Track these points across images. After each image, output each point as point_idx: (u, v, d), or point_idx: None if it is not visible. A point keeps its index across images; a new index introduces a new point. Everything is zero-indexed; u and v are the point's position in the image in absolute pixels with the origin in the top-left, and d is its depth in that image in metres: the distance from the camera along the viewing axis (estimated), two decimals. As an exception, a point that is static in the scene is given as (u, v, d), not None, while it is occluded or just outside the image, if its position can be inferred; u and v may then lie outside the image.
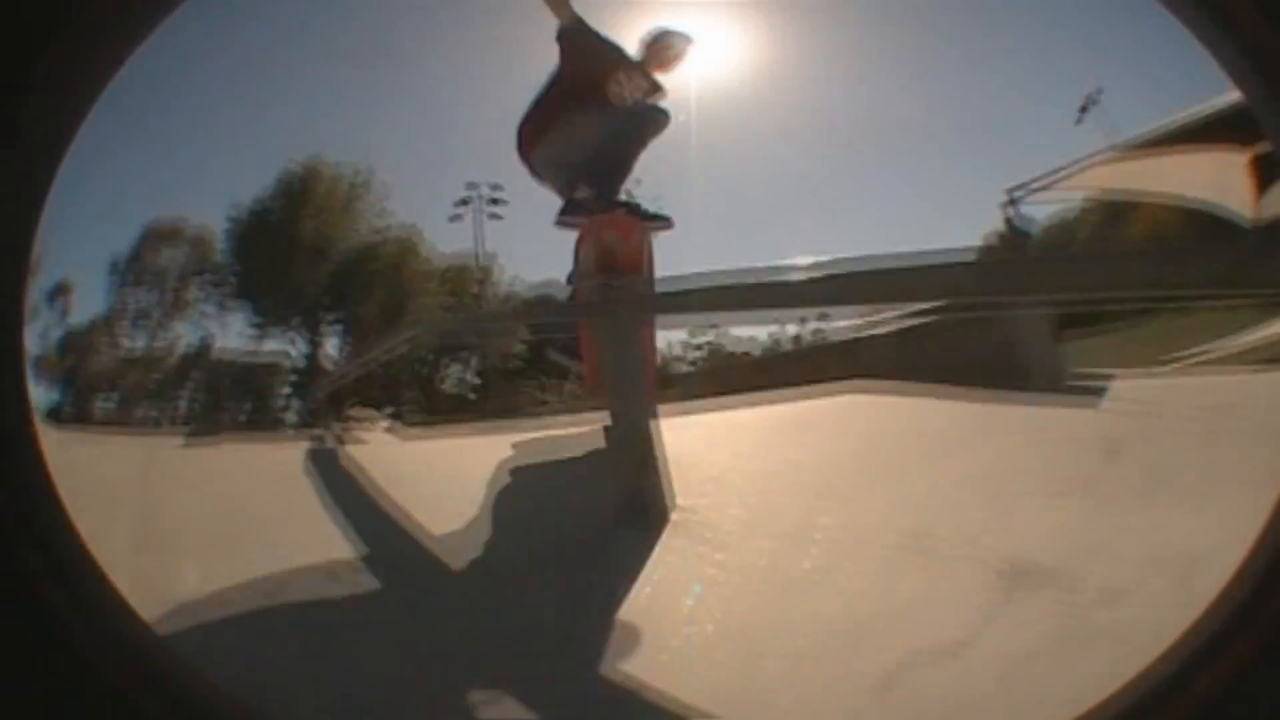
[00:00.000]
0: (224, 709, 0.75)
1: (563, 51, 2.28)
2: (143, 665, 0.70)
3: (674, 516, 1.84)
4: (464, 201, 2.77)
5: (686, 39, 2.39)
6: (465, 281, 3.11)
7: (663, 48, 2.37)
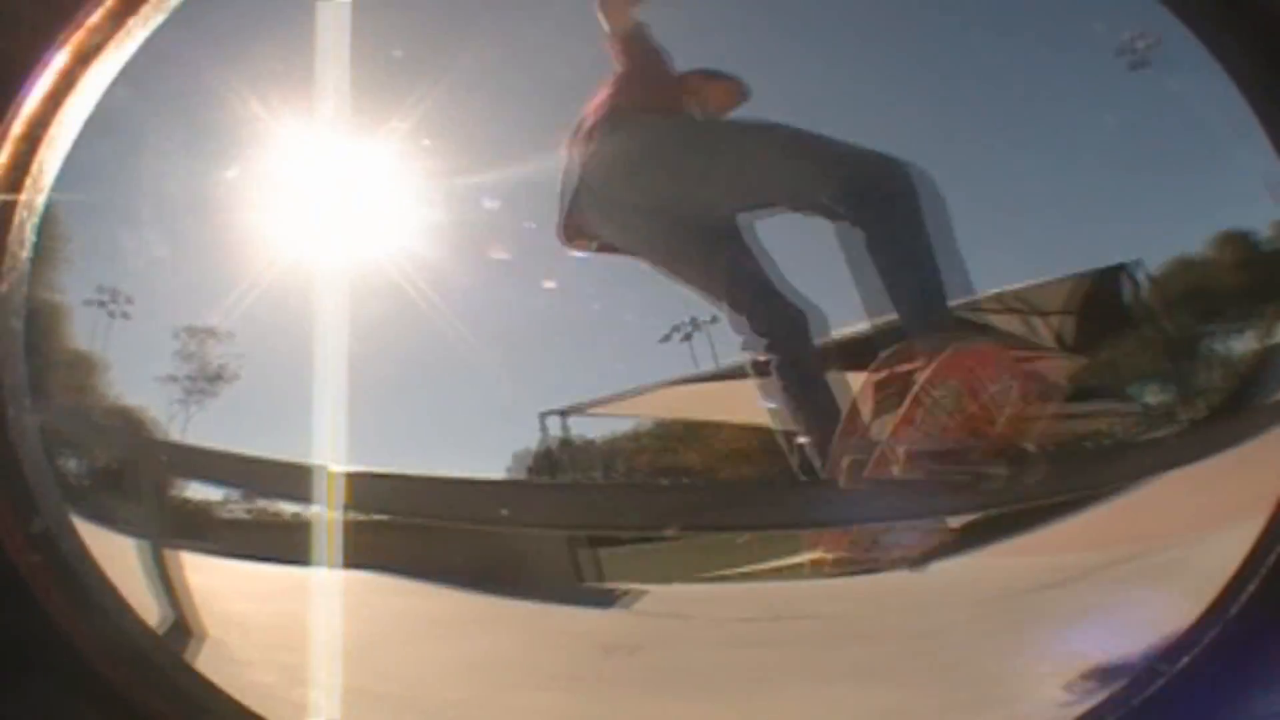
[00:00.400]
0: (224, 709, 0.75)
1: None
2: (143, 666, 0.70)
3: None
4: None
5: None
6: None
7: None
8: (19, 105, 0.66)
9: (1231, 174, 1.41)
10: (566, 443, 1.28)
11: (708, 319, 1.42)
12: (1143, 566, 1.49)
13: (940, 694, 1.09)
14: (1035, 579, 1.33)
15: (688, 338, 1.38)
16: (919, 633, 1.29)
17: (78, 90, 0.69)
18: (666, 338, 1.33)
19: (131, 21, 0.70)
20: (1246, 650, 0.65)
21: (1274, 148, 0.82)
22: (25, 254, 0.71)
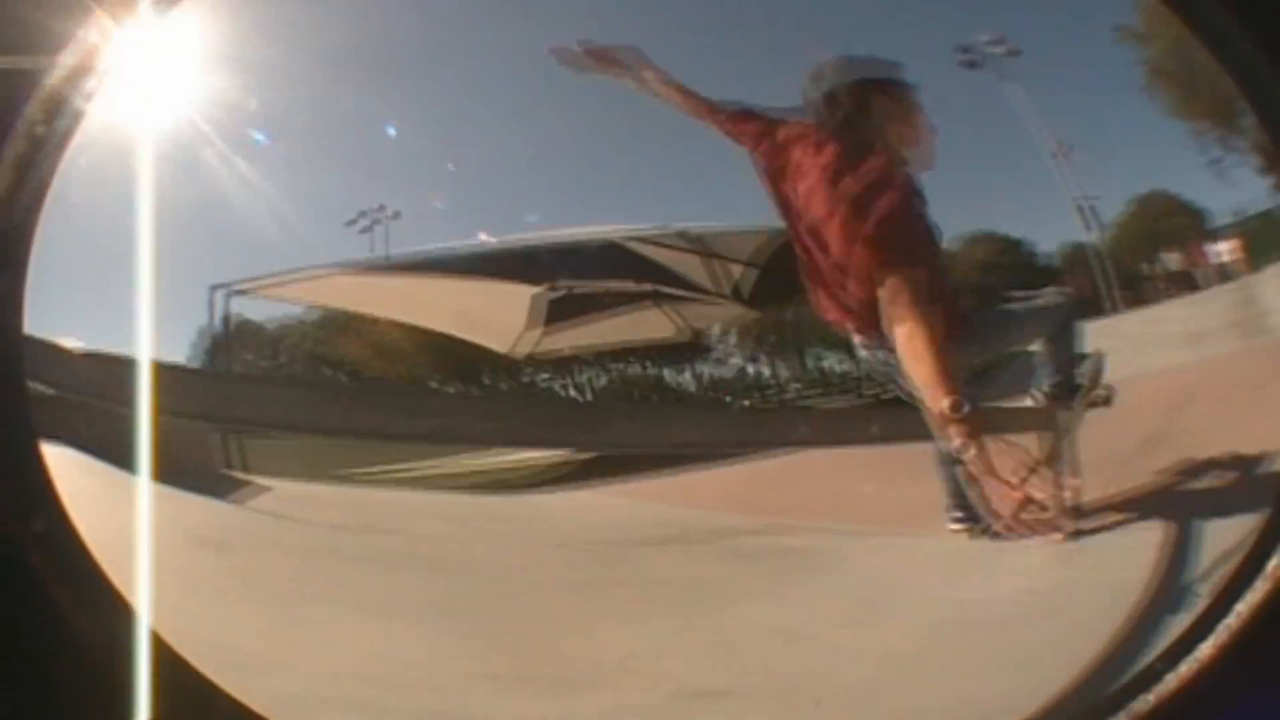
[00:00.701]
0: (224, 709, 0.75)
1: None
2: (142, 665, 0.70)
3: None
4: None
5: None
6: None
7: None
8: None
9: (1020, 185, 1.47)
10: (230, 321, 1.28)
11: (391, 214, 1.46)
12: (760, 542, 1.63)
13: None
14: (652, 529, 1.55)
15: (369, 230, 1.39)
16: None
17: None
18: (352, 223, 1.34)
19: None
20: (1247, 650, 0.65)
21: (1274, 146, 0.82)
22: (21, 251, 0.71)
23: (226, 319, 1.26)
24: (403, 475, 1.73)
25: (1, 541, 0.66)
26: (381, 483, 1.75)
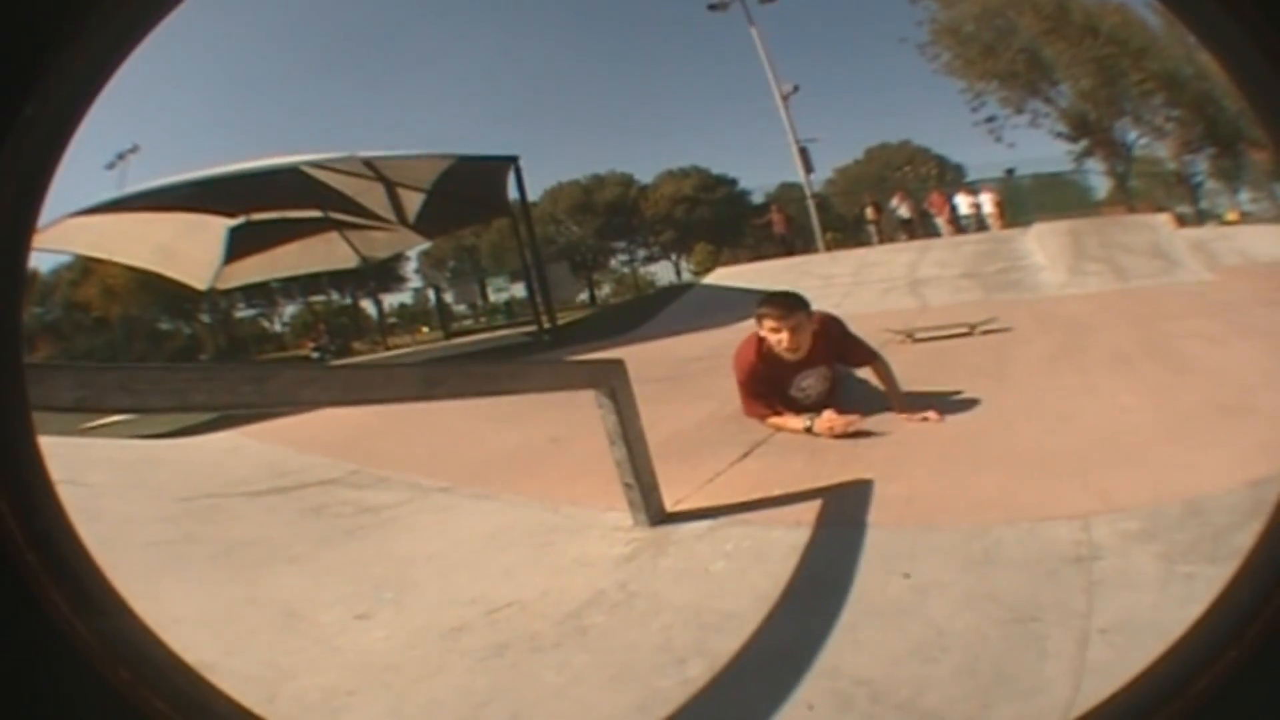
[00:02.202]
0: (224, 709, 0.75)
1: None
2: (143, 666, 0.70)
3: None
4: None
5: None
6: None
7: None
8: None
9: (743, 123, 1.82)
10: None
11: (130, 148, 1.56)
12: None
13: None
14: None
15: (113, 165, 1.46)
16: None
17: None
18: (112, 165, 1.41)
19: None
20: (1246, 650, 0.65)
21: (1274, 146, 0.81)
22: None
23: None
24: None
25: (1, 541, 0.66)
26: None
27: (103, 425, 5.28)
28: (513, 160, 7.44)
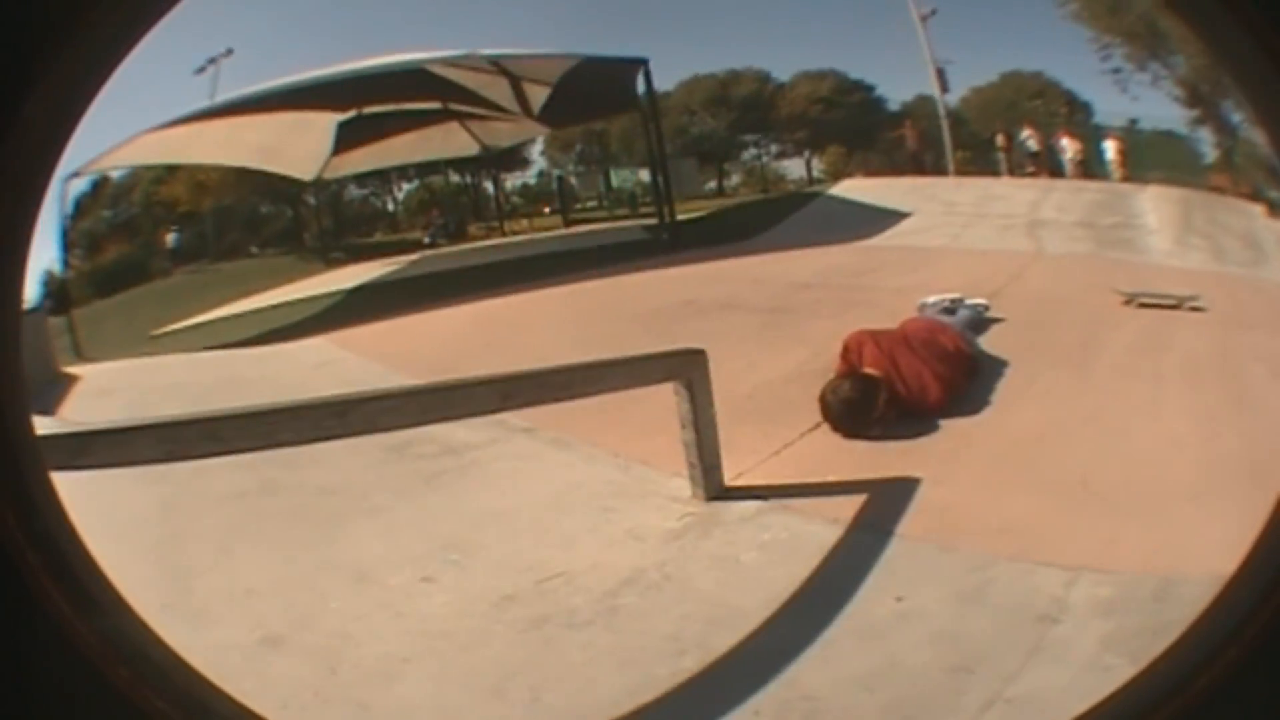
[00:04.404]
0: (224, 709, 0.75)
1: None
2: (143, 665, 0.70)
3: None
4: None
5: None
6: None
7: None
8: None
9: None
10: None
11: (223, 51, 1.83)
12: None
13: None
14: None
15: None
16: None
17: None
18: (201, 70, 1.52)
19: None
20: (1246, 650, 0.65)
21: (1274, 147, 0.81)
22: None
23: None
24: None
25: (1, 541, 0.66)
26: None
27: (173, 331, 4.71)
28: (643, 62, 7.08)
